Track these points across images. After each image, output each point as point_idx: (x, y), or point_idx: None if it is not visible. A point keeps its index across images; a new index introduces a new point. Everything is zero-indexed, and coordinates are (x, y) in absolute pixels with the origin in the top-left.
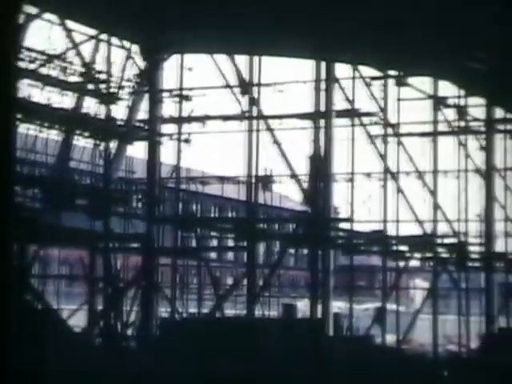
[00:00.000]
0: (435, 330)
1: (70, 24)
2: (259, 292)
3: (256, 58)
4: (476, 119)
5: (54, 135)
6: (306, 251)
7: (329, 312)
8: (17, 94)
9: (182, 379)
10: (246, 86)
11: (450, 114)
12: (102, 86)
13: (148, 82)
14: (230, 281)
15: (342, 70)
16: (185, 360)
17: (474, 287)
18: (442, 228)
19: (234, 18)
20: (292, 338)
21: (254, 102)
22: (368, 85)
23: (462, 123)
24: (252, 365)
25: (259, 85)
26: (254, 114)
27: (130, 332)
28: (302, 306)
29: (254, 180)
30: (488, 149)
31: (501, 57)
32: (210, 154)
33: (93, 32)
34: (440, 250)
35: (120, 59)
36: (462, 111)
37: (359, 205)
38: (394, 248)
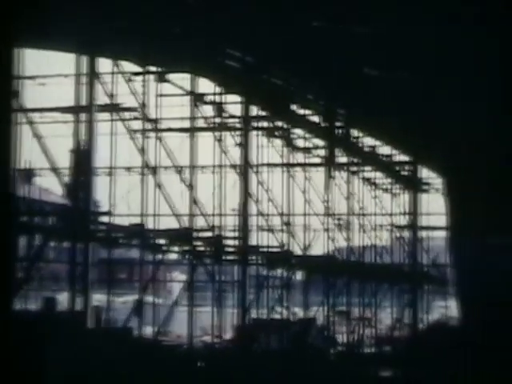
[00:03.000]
0: (191, 322)
1: None
2: (19, 286)
3: (17, 51)
4: (233, 116)
5: None
6: (66, 244)
7: (88, 305)
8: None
9: None
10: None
11: (209, 110)
12: None
13: None
14: None
15: (103, 64)
16: None
17: (229, 280)
18: (200, 222)
19: None
20: (51, 331)
21: (15, 94)
22: (129, 80)
23: (220, 120)
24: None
25: (20, 77)
26: (15, 106)
27: None
28: (63, 299)
29: (14, 173)
30: (244, 145)
31: (256, 56)
32: None
33: None
34: (197, 243)
35: None
36: (219, 108)
37: (119, 199)
38: (153, 241)
